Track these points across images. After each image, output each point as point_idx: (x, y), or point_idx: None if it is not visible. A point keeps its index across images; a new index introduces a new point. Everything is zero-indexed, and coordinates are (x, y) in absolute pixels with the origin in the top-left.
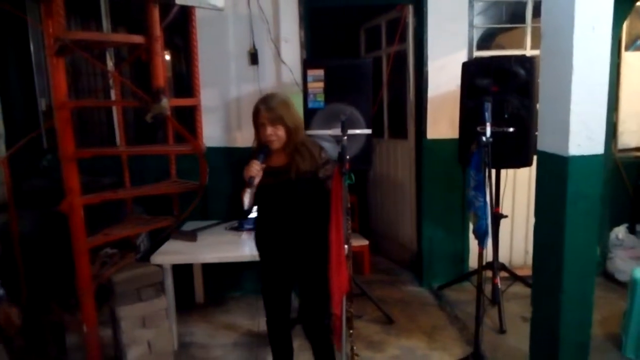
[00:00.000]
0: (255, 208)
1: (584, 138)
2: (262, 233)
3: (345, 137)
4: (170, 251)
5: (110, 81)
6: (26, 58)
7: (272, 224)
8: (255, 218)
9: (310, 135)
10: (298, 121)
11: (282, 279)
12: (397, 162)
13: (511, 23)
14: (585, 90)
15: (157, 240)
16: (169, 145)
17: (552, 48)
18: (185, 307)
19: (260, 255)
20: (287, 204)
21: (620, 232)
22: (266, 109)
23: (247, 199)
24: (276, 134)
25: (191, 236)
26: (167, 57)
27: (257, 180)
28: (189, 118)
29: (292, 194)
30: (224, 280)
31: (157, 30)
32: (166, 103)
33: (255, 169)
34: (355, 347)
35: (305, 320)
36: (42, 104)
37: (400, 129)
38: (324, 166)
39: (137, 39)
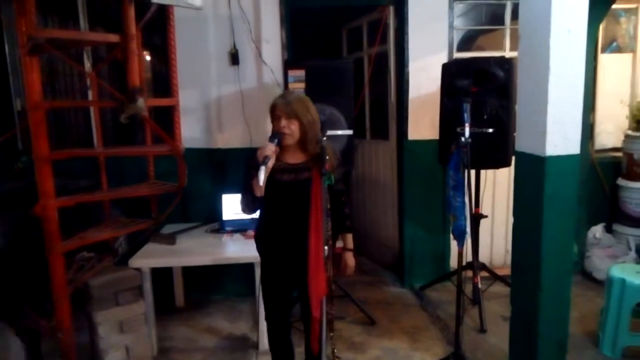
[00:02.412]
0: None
1: (560, 138)
2: (271, 231)
3: (325, 138)
4: (149, 254)
5: (88, 81)
6: (1, 57)
7: (285, 222)
8: (261, 216)
9: None
10: (313, 119)
11: (289, 280)
12: (379, 162)
13: (490, 25)
14: (561, 91)
15: (136, 243)
16: (146, 147)
17: (529, 50)
18: (166, 311)
19: (266, 254)
20: (305, 201)
21: (597, 231)
22: (283, 103)
23: (262, 177)
24: (289, 128)
25: (170, 239)
26: (148, 58)
27: (271, 163)
28: (170, 119)
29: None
30: (204, 283)
31: (133, 29)
32: (142, 103)
33: (270, 149)
34: (336, 350)
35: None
36: (18, 104)
37: (382, 130)
38: (337, 169)
39: (113, 37)
